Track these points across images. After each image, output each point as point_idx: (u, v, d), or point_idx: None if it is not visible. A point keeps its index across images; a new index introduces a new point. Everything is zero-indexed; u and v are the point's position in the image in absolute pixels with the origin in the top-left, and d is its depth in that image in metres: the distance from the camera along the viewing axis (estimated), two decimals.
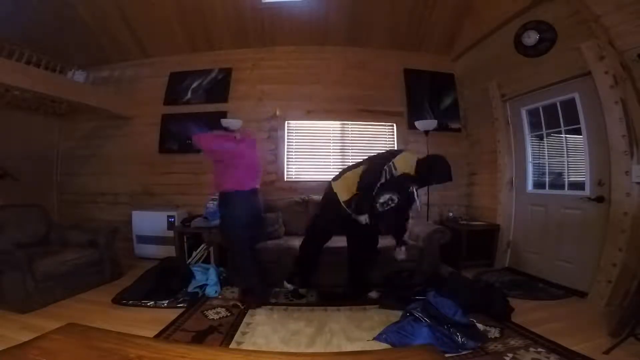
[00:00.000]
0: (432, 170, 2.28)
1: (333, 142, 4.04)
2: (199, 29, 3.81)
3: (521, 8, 2.96)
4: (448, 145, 4.01)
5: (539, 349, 1.75)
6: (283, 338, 1.93)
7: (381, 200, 2.30)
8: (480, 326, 2.01)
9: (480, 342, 1.82)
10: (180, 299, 2.48)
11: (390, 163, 2.24)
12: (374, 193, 2.26)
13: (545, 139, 3.13)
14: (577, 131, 2.73)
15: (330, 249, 2.58)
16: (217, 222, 2.86)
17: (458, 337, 1.79)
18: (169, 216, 3.58)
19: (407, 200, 2.40)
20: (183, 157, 3.94)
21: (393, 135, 4.04)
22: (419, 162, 2.29)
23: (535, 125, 3.22)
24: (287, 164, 3.96)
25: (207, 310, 2.29)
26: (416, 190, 2.35)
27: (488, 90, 3.55)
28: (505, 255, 3.37)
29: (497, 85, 3.45)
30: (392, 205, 2.32)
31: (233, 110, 3.88)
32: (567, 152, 2.92)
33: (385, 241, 2.93)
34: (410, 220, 2.62)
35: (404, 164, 2.26)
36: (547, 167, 3.15)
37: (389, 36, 3.93)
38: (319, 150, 4.04)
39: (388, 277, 2.62)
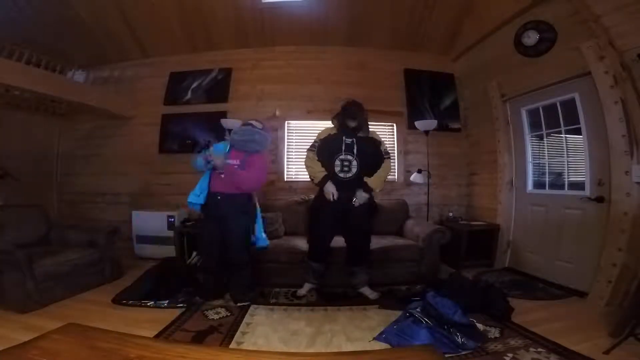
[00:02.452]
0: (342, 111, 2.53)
1: None
2: (199, 29, 3.81)
3: (521, 8, 2.96)
4: (448, 146, 4.03)
5: (539, 349, 1.75)
6: (283, 338, 1.93)
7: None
8: (480, 326, 2.01)
9: (480, 342, 1.81)
10: (180, 299, 2.48)
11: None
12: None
13: (545, 139, 3.12)
14: (577, 131, 2.73)
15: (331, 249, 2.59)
16: None
17: (458, 337, 1.79)
18: (169, 216, 3.57)
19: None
20: (183, 157, 3.93)
21: (393, 135, 4.04)
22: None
23: (535, 125, 3.22)
24: (287, 164, 3.96)
25: (207, 310, 2.29)
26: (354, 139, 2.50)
27: (488, 90, 3.55)
28: (505, 255, 3.37)
29: (497, 85, 3.45)
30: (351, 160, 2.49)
31: (233, 110, 3.88)
32: (567, 152, 2.91)
33: (384, 241, 2.94)
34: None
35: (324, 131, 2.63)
36: (547, 167, 3.15)
37: (389, 36, 3.93)
38: None
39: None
